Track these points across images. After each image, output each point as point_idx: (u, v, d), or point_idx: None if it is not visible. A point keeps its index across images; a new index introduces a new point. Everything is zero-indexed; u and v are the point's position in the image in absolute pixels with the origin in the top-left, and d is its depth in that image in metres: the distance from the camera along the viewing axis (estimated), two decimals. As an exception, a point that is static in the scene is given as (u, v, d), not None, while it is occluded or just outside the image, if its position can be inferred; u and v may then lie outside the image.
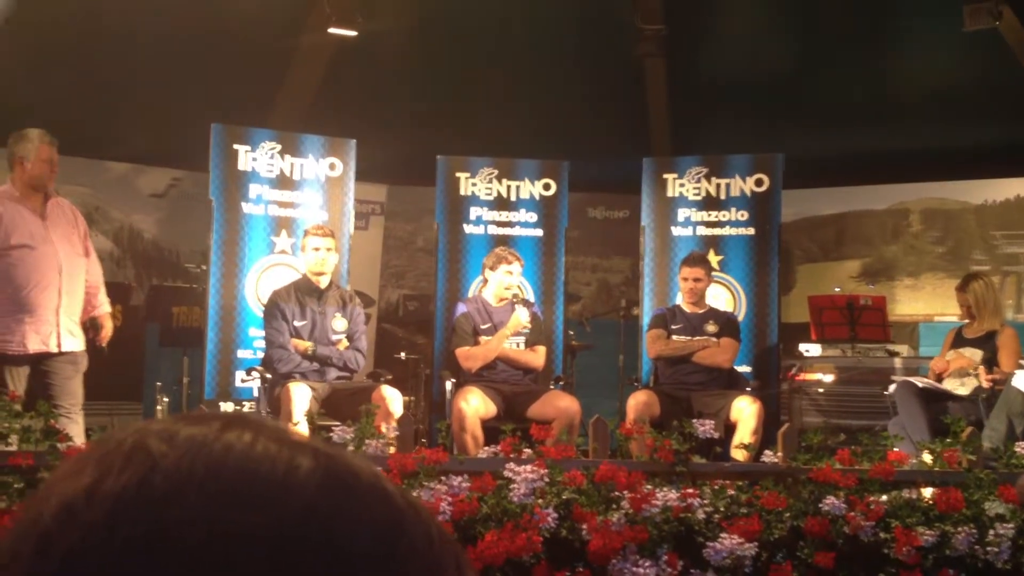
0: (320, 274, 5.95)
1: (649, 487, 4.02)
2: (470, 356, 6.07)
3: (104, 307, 5.54)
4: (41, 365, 5.18)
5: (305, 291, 5.92)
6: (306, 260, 6.00)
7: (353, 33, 8.24)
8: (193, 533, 0.48)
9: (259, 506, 0.50)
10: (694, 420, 4.49)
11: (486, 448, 4.61)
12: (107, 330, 5.51)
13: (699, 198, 7.24)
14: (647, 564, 3.78)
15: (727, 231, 7.21)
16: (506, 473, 4.02)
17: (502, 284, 6.21)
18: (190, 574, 0.48)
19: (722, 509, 4.01)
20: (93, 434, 4.30)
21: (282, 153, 6.78)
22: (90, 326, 5.47)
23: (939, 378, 6.34)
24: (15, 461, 3.85)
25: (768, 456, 4.44)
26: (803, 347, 7.82)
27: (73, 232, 5.37)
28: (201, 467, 0.50)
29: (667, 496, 3.97)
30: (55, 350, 5.17)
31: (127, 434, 0.54)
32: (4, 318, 5.09)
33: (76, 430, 5.02)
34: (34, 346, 5.12)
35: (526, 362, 6.18)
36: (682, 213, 7.25)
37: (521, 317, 6.05)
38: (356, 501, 0.52)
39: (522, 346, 6.20)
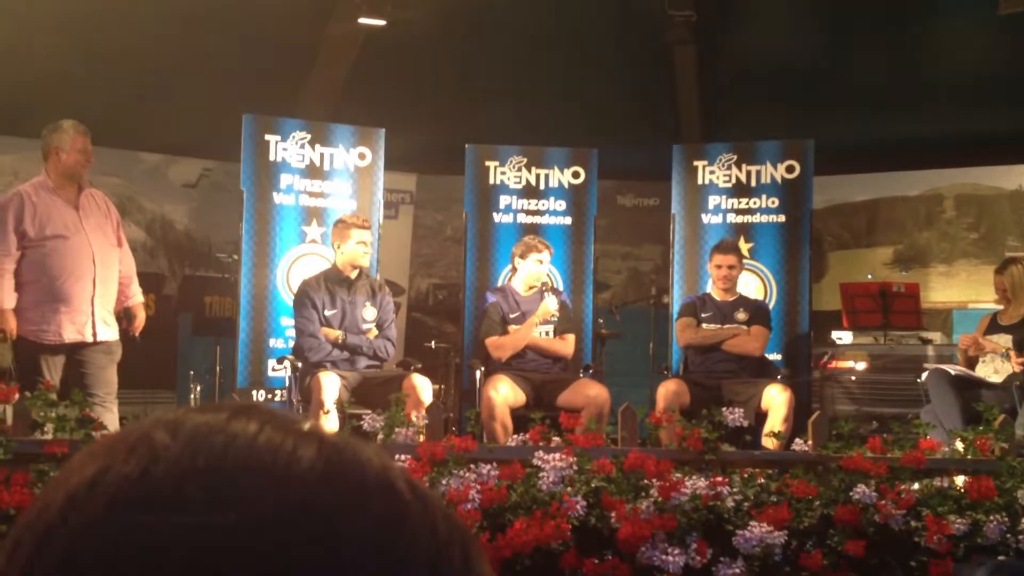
0: (358, 267, 5.97)
1: (678, 475, 4.02)
2: (500, 346, 6.08)
3: (137, 297, 5.60)
4: (76, 355, 5.24)
5: (335, 280, 5.95)
6: (347, 251, 5.92)
7: (382, 22, 8.25)
8: (190, 526, 0.49)
9: (257, 499, 0.50)
10: (724, 408, 4.48)
11: (515, 436, 4.63)
12: (140, 320, 5.57)
13: (729, 185, 7.21)
14: (676, 552, 3.79)
15: (758, 218, 7.17)
16: (535, 461, 4.04)
17: (532, 273, 6.20)
18: (186, 567, 0.48)
19: (752, 497, 4.01)
20: (127, 422, 4.36)
21: (312, 143, 6.81)
22: (124, 316, 5.53)
23: (971, 365, 6.29)
24: (51, 450, 3.91)
25: (798, 444, 4.43)
26: (835, 335, 7.78)
27: (106, 222, 5.42)
28: (202, 459, 0.51)
29: (696, 484, 3.97)
30: (90, 339, 5.23)
31: (138, 425, 0.55)
32: (40, 308, 5.16)
33: (111, 419, 5.09)
34: (70, 336, 5.18)
35: (555, 351, 6.18)
36: (712, 200, 7.22)
37: (550, 305, 6.05)
38: (357, 493, 0.52)
39: (551, 334, 6.20)
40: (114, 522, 0.49)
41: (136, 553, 0.49)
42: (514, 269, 6.34)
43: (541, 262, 6.20)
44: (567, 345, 6.22)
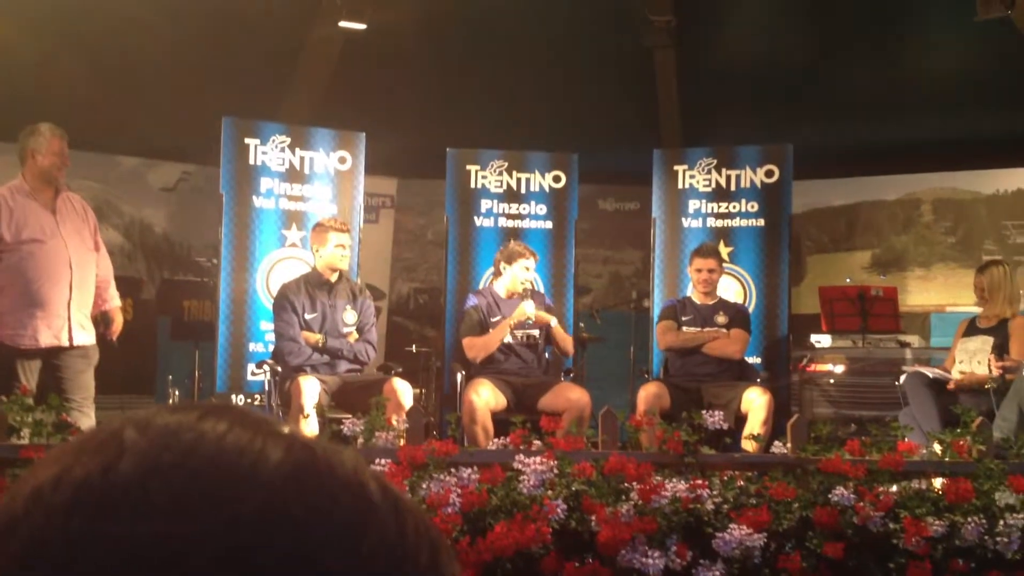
0: (337, 270, 5.95)
1: (658, 478, 4.02)
2: (472, 346, 6.07)
3: (114, 301, 5.57)
4: (53, 359, 5.21)
5: (315, 284, 5.93)
6: (326, 255, 5.92)
7: (363, 26, 8.24)
8: (151, 524, 0.48)
9: (221, 499, 0.49)
10: (704, 411, 4.49)
11: (496, 440, 4.62)
12: (118, 324, 5.53)
13: (709, 189, 7.23)
14: (656, 555, 3.78)
15: (737, 222, 7.20)
16: (516, 465, 4.03)
17: (518, 278, 6.20)
18: (144, 565, 0.48)
19: (731, 500, 4.01)
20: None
21: (292, 147, 6.79)
22: (101, 320, 5.49)
23: (947, 369, 6.32)
24: (27, 454, 3.87)
25: (778, 447, 4.44)
26: (814, 338, 7.82)
27: (83, 227, 5.39)
28: (168, 457, 0.50)
29: (676, 487, 3.96)
30: (67, 344, 5.20)
31: (109, 423, 0.54)
32: (16, 312, 5.12)
33: (88, 423, 5.05)
34: (46, 340, 5.14)
35: (562, 340, 6.23)
36: (692, 205, 7.24)
37: (526, 308, 6.05)
38: (323, 494, 0.51)
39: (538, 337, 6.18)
40: (74, 517, 0.49)
41: (95, 550, 0.48)
42: (498, 273, 6.33)
43: (528, 268, 6.21)
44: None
